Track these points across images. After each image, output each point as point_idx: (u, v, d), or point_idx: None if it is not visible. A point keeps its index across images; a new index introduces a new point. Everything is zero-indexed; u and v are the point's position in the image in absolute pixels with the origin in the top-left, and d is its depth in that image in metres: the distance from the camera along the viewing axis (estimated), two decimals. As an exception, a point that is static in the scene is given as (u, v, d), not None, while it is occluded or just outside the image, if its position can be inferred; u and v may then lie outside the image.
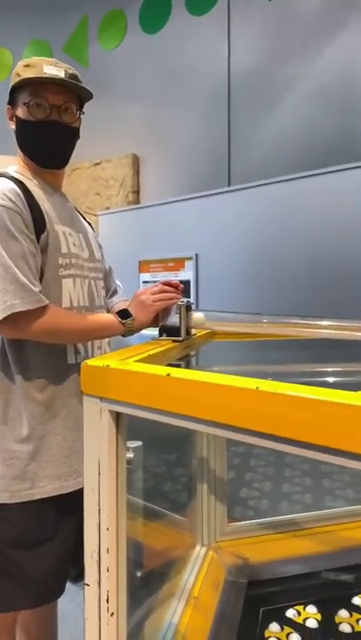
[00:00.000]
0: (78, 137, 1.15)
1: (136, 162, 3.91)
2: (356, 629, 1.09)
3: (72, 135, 1.12)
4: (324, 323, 1.01)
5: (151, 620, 0.97)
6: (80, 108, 1.13)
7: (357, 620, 1.12)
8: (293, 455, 1.53)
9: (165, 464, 1.51)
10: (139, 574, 0.93)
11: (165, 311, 1.06)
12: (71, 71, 1.10)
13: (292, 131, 3.10)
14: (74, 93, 1.10)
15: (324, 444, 0.37)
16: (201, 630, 1.03)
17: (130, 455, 0.78)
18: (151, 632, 0.97)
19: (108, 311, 1.24)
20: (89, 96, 1.12)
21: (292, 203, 2.56)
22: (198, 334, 1.08)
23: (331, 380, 1.16)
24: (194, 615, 1.05)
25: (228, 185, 3.28)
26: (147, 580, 0.99)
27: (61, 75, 1.07)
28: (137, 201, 3.87)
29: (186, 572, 1.18)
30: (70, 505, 1.05)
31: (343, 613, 1.14)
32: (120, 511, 0.69)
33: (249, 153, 3.29)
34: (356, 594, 1.21)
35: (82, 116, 1.15)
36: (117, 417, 0.65)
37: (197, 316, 1.03)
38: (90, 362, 0.68)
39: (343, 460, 0.37)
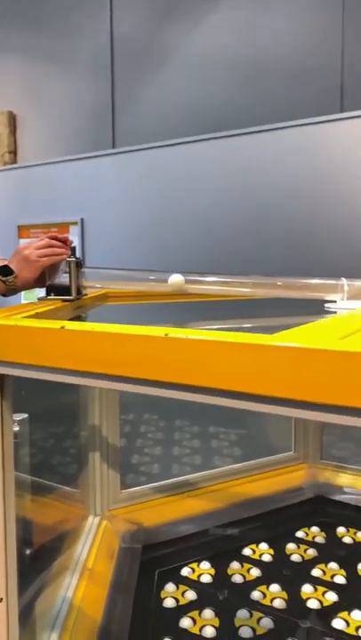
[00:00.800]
0: None
1: (12, 120, 3.62)
2: (248, 578, 1.13)
3: None
4: (209, 279, 0.99)
5: (43, 599, 0.91)
6: None
7: (248, 570, 1.16)
8: (182, 418, 1.54)
9: (54, 437, 1.44)
10: (28, 553, 0.86)
11: (52, 268, 0.97)
12: None
13: (177, 96, 3.05)
14: None
15: (243, 389, 0.34)
16: (97, 601, 0.99)
17: (15, 429, 0.72)
18: (44, 610, 0.92)
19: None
20: None
21: (178, 167, 2.55)
22: (90, 295, 1.01)
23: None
24: (89, 587, 1.01)
25: (113, 147, 3.16)
26: (38, 557, 0.92)
27: None
28: (14, 161, 3.59)
29: (79, 544, 1.14)
30: None
31: (235, 565, 1.18)
32: (7, 489, 0.61)
33: (134, 115, 3.20)
34: (246, 545, 1.26)
35: None
36: (1, 380, 0.57)
37: (176, 278, 0.94)
38: (-34, 320, 0.58)
39: (265, 407, 0.34)
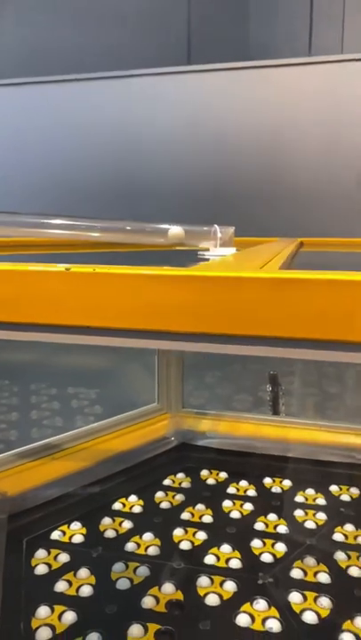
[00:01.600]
0: None
1: None
2: (120, 532, 1.13)
3: None
4: (57, 221, 0.91)
5: None
6: None
7: (120, 523, 1.16)
8: (39, 382, 1.45)
9: None
10: None
11: None
12: None
13: (19, 31, 2.77)
14: None
15: (176, 329, 0.30)
16: None
17: None
18: None
19: None
20: None
21: (14, 111, 2.37)
22: None
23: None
24: None
25: None
26: None
27: None
28: None
29: None
30: None
31: (106, 521, 1.17)
32: None
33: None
34: (116, 500, 1.26)
35: None
36: None
37: (176, 230, 0.79)
38: None
39: (202, 346, 0.30)
